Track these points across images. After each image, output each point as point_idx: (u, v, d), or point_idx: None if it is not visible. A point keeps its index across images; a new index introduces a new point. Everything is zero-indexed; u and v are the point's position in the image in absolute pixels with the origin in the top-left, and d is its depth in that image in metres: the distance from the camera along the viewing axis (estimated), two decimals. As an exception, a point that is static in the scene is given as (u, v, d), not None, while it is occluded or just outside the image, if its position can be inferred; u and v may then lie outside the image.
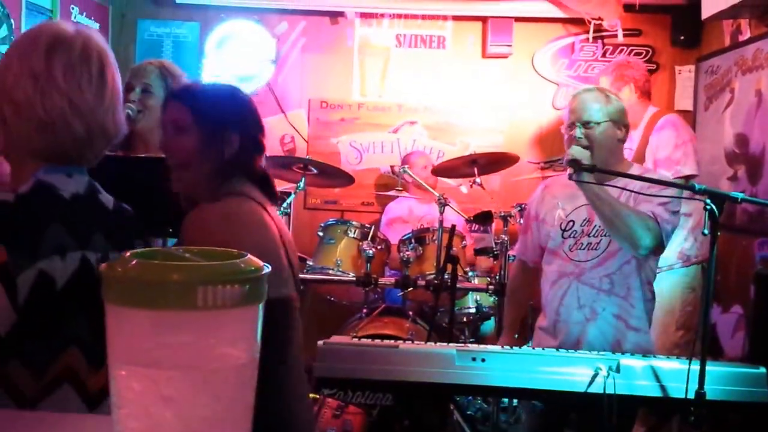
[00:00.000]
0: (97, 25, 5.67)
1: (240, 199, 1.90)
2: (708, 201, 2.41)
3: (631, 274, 2.92)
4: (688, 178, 3.96)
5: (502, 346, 2.73)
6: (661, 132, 4.07)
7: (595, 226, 2.92)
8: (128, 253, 0.81)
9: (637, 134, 4.19)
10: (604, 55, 5.82)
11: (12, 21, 4.39)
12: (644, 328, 2.95)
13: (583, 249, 2.94)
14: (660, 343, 4.05)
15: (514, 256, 3.57)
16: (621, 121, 2.94)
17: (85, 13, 5.47)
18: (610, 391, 2.49)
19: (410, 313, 4.44)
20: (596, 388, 2.51)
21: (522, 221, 3.33)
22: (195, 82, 2.12)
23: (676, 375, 2.53)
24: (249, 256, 0.82)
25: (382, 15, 5.95)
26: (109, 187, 2.28)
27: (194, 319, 0.73)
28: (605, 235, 2.90)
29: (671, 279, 4.09)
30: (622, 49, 5.79)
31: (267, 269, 0.81)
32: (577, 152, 2.81)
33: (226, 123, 1.92)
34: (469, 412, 4.27)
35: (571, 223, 2.98)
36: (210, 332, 0.74)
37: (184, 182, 1.97)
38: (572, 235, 2.97)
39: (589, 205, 2.89)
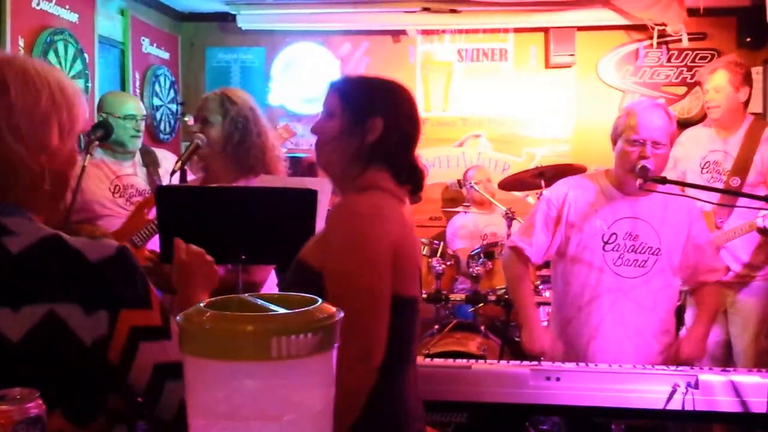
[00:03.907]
0: (167, 55, 5.85)
1: (383, 195, 1.93)
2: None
3: (672, 294, 2.98)
4: None
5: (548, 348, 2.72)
6: None
7: (643, 242, 2.88)
8: (203, 304, 0.84)
9: (734, 141, 3.96)
10: (669, 60, 5.74)
11: (86, 56, 4.56)
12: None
13: (630, 265, 2.88)
14: (752, 351, 3.93)
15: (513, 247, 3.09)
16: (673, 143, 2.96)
17: (155, 44, 5.64)
18: (689, 407, 2.44)
19: (482, 328, 4.42)
20: (675, 405, 2.46)
21: (540, 216, 2.99)
22: (353, 75, 2.17)
23: (757, 389, 2.46)
24: (321, 302, 0.84)
25: (444, 31, 5.98)
26: (258, 218, 2.40)
27: (269, 369, 0.76)
28: (653, 254, 2.87)
29: (764, 288, 3.95)
30: (687, 54, 5.70)
31: (340, 315, 0.83)
32: (649, 165, 2.80)
33: (370, 110, 1.93)
34: (544, 427, 4.23)
35: (614, 236, 2.90)
36: (285, 381, 0.76)
37: (327, 163, 2.03)
38: (615, 249, 2.90)
39: (631, 218, 2.89)
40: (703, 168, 4.02)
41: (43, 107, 1.41)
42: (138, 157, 3.99)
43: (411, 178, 1.99)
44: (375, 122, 1.92)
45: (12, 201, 1.41)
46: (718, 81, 3.96)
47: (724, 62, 4.12)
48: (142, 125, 3.97)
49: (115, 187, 3.87)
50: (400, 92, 2.01)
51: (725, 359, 4.02)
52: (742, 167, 3.90)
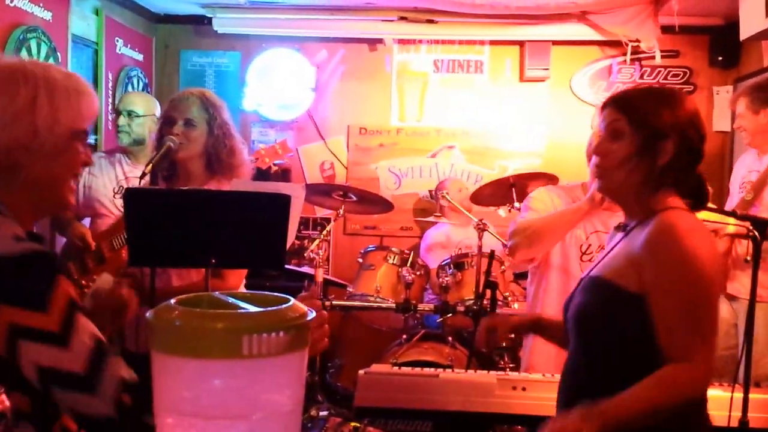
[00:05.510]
0: (141, 56, 5.81)
1: (687, 213, 1.93)
2: (750, 227, 2.39)
3: None
4: None
5: None
6: None
7: None
8: (173, 301, 0.84)
9: (767, 159, 4.04)
10: (641, 77, 5.82)
11: (59, 54, 4.51)
12: None
13: None
14: (753, 373, 3.91)
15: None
16: None
17: (129, 45, 5.60)
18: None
19: (450, 338, 4.43)
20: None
21: (536, 204, 3.04)
22: (635, 89, 2.09)
23: (718, 403, 2.49)
24: (294, 302, 0.84)
25: (420, 41, 6.00)
26: (230, 222, 2.37)
27: (239, 368, 0.75)
28: None
29: (763, 312, 3.91)
30: (660, 71, 5.78)
31: (312, 315, 0.83)
32: None
33: (662, 132, 1.90)
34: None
35: (589, 246, 2.97)
36: (255, 380, 0.76)
37: (611, 185, 2.00)
38: (591, 259, 2.95)
39: (604, 232, 2.94)
40: (741, 187, 4.12)
41: (19, 106, 1.49)
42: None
43: (697, 193, 1.98)
44: (666, 145, 1.89)
45: None
46: (739, 108, 4.07)
47: (744, 88, 4.21)
48: (136, 122, 3.98)
49: (120, 188, 3.88)
50: (688, 106, 1.96)
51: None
52: (762, 184, 3.95)
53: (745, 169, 4.16)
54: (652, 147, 1.90)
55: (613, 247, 2.03)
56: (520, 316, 2.52)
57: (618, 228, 2.10)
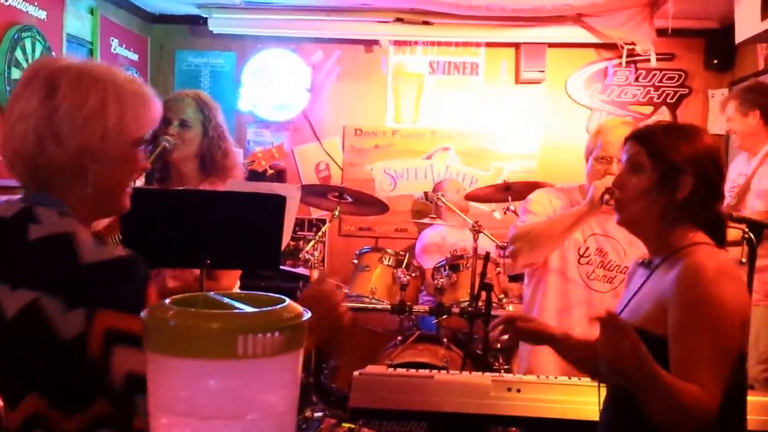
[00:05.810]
0: (136, 56, 5.80)
1: (714, 248, 1.92)
2: (746, 230, 2.39)
3: None
4: None
5: None
6: None
7: (611, 260, 2.95)
8: (168, 300, 0.83)
9: (754, 162, 4.03)
10: (637, 79, 5.83)
11: (54, 54, 4.50)
12: None
13: (600, 280, 2.96)
14: None
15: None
16: None
17: (124, 45, 5.59)
18: (647, 421, 2.45)
19: (445, 340, 4.43)
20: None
21: (536, 207, 3.03)
22: (656, 124, 2.12)
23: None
24: (289, 302, 0.84)
25: (416, 42, 6.00)
26: (225, 222, 2.36)
27: (234, 368, 0.75)
28: (620, 272, 2.93)
29: (756, 314, 3.91)
30: (655, 74, 5.79)
31: (307, 315, 0.82)
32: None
33: (680, 166, 1.92)
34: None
35: (587, 250, 2.97)
36: (250, 380, 0.75)
37: (629, 218, 2.03)
38: (589, 263, 2.97)
39: (602, 235, 2.96)
40: (730, 190, 4.08)
41: (88, 111, 1.49)
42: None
43: (715, 230, 1.98)
44: (685, 179, 1.91)
45: (59, 195, 1.52)
46: (728, 111, 4.09)
47: (733, 91, 4.27)
48: None
49: None
50: (707, 141, 1.98)
51: None
52: (747, 186, 3.97)
53: (735, 173, 4.16)
54: (671, 181, 1.92)
55: (639, 287, 2.02)
56: (543, 323, 2.52)
57: (641, 264, 2.11)
